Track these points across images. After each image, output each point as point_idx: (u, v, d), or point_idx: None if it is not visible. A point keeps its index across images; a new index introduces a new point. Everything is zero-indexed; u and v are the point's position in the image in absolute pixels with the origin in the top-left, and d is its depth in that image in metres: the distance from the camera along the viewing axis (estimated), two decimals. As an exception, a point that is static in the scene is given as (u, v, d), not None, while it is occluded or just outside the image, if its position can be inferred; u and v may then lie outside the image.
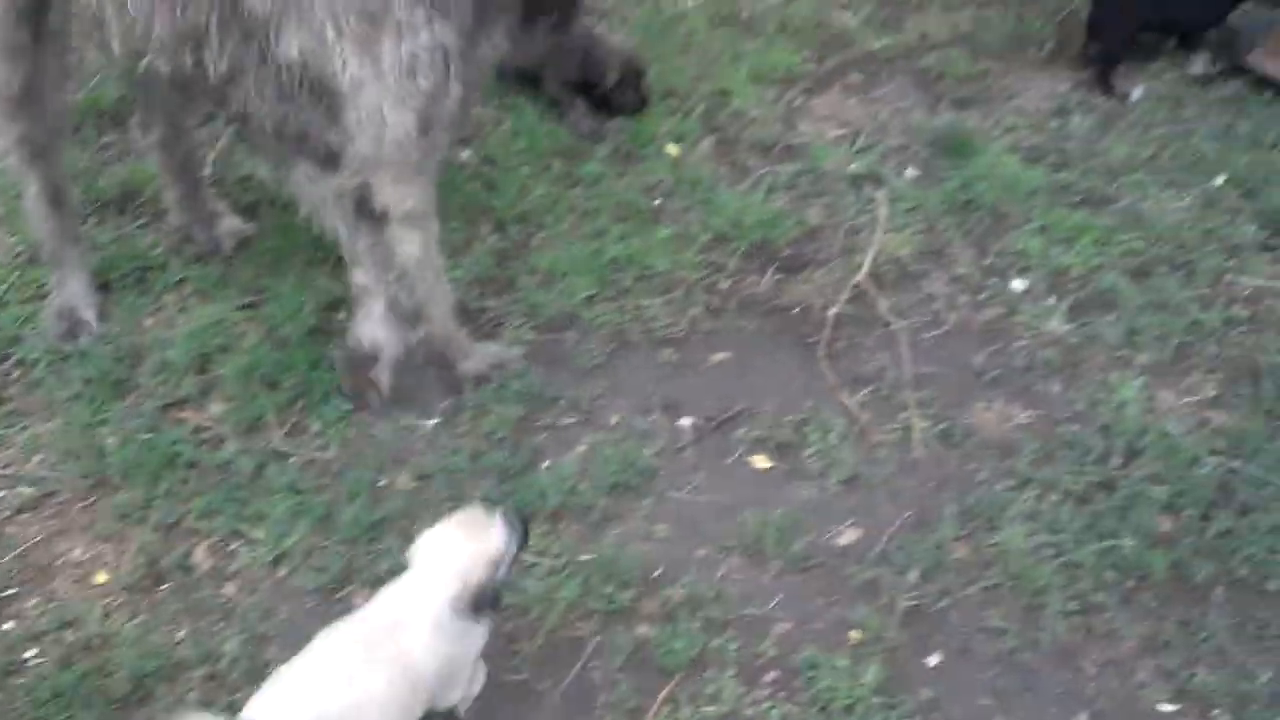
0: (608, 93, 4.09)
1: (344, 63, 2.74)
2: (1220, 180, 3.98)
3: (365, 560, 2.98)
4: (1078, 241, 3.75)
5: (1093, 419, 3.27)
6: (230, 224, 3.78)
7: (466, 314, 3.58)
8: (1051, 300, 3.60)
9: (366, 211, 3.04)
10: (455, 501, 3.10)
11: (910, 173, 4.04)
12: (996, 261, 3.74)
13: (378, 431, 3.29)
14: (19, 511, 3.14)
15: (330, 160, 2.98)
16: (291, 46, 2.74)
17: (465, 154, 4.07)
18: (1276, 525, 3.01)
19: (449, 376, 3.36)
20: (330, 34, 2.70)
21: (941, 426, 3.28)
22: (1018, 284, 3.66)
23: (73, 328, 3.53)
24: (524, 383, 3.37)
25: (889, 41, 4.56)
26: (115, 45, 2.88)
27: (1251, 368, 3.40)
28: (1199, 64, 4.36)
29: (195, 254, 3.79)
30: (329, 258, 3.71)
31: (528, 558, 2.92)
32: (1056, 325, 3.52)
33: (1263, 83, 4.29)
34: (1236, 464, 3.13)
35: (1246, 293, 3.64)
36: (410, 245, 3.10)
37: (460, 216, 3.86)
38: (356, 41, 2.72)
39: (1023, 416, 3.31)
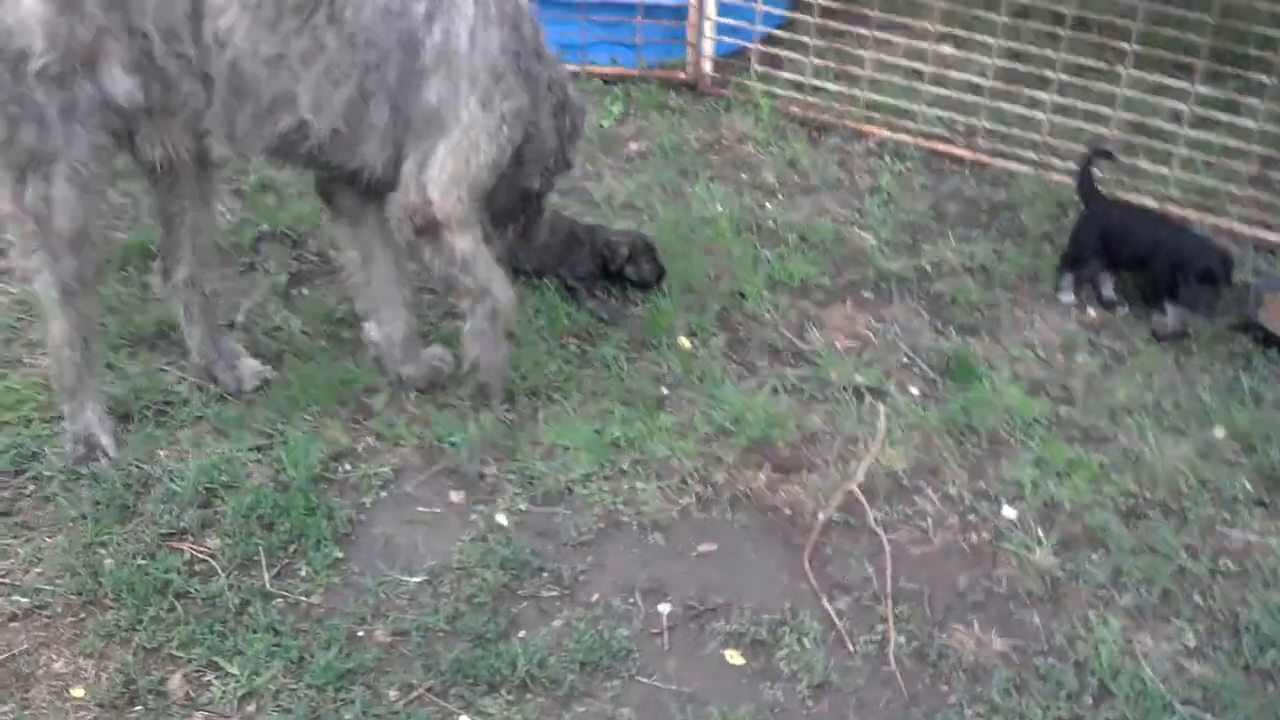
0: (622, 269, 4.26)
1: (466, 108, 3.44)
2: (1220, 432, 4.06)
3: (330, 707, 3.02)
4: (1072, 476, 3.83)
5: (1069, 655, 3.30)
6: (250, 365, 3.93)
7: (464, 478, 3.68)
8: (1040, 532, 3.65)
9: (424, 230, 3.58)
10: (427, 659, 3.14)
11: (913, 390, 4.14)
12: (989, 487, 3.81)
13: (364, 582, 3.35)
14: (10, 619, 3.21)
15: (385, 190, 3.59)
16: (431, 95, 3.40)
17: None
18: (1245, 784, 2.99)
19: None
20: (464, 86, 3.41)
21: (917, 644, 3.32)
22: (1009, 511, 3.73)
23: (90, 452, 3.64)
24: (512, 550, 3.43)
25: (903, 264, 4.73)
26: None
27: (1234, 621, 3.43)
28: (1170, 320, 4.44)
29: (218, 394, 3.92)
30: (343, 410, 3.85)
31: (491, 725, 2.94)
32: (1042, 557, 3.57)
33: (1269, 339, 4.41)
34: (1208, 717, 3.14)
35: (1236, 546, 3.69)
36: (464, 240, 3.62)
37: (472, 385, 3.98)
38: (480, 97, 3.44)
39: (1000, 644, 3.34)
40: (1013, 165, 5.35)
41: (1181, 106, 5.08)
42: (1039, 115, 5.27)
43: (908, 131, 5.51)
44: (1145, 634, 3.38)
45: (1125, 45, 5.01)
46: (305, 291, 4.43)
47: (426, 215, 3.55)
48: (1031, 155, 5.33)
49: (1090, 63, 5.33)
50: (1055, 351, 4.41)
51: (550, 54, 3.79)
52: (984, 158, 5.41)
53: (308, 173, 3.80)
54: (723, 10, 5.81)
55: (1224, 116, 5.12)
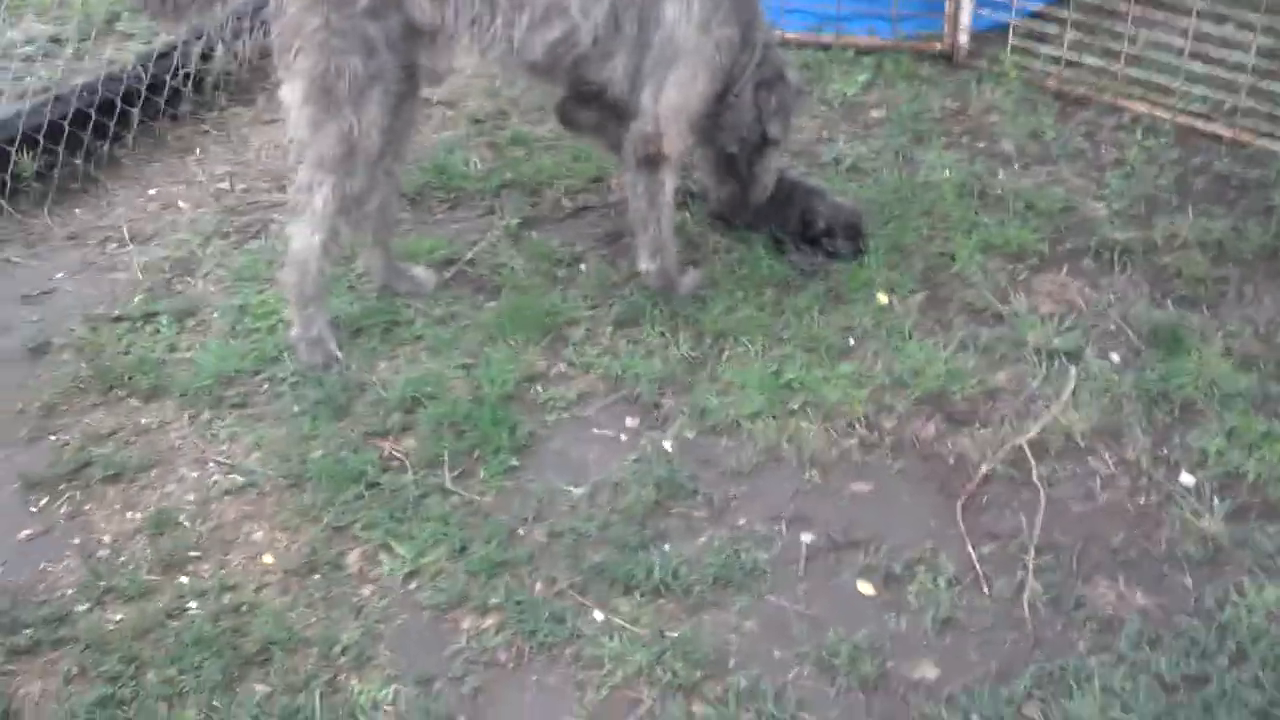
0: (819, 238, 4.37)
1: (691, 31, 3.90)
2: None
3: (480, 592, 3.31)
4: (1263, 450, 3.66)
5: (1214, 617, 3.20)
6: (422, 273, 4.42)
7: (641, 406, 3.90)
8: (1215, 500, 3.52)
9: (650, 160, 4.07)
10: (573, 560, 3.39)
11: (1114, 358, 4.05)
12: (1171, 454, 3.70)
13: (532, 488, 3.63)
14: (226, 493, 3.68)
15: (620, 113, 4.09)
16: (669, 11, 3.87)
17: (690, 272, 4.41)
18: (1375, 760, 2.83)
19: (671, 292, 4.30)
20: (695, 6, 3.88)
21: (1055, 593, 3.29)
22: (1186, 478, 3.62)
23: (326, 360, 4.09)
24: (670, 472, 3.63)
25: (1132, 235, 4.59)
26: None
27: None
28: None
29: (439, 318, 4.31)
30: (544, 339, 4.16)
31: (616, 620, 3.16)
32: (1210, 523, 3.45)
33: None
34: (1353, 691, 2.98)
35: None
36: (670, 185, 4.14)
37: (666, 323, 4.21)
38: (702, 21, 3.91)
39: (1142, 600, 3.27)
40: (1272, 144, 5.06)
41: None
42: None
43: (1165, 107, 5.31)
44: (1306, 608, 3.22)
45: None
46: (535, 234, 4.77)
47: (656, 145, 4.01)
48: (1293, 132, 5.03)
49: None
50: (1279, 329, 4.18)
51: (765, 22, 4.16)
52: (1243, 136, 5.15)
53: (561, 88, 4.23)
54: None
55: None
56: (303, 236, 4.00)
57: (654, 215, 4.20)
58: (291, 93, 3.83)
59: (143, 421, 3.93)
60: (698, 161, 4.50)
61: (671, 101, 3.97)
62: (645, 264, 4.30)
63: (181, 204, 5.17)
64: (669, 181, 4.15)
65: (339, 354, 4.12)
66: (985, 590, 3.31)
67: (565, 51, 3.92)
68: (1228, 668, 3.06)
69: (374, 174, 3.98)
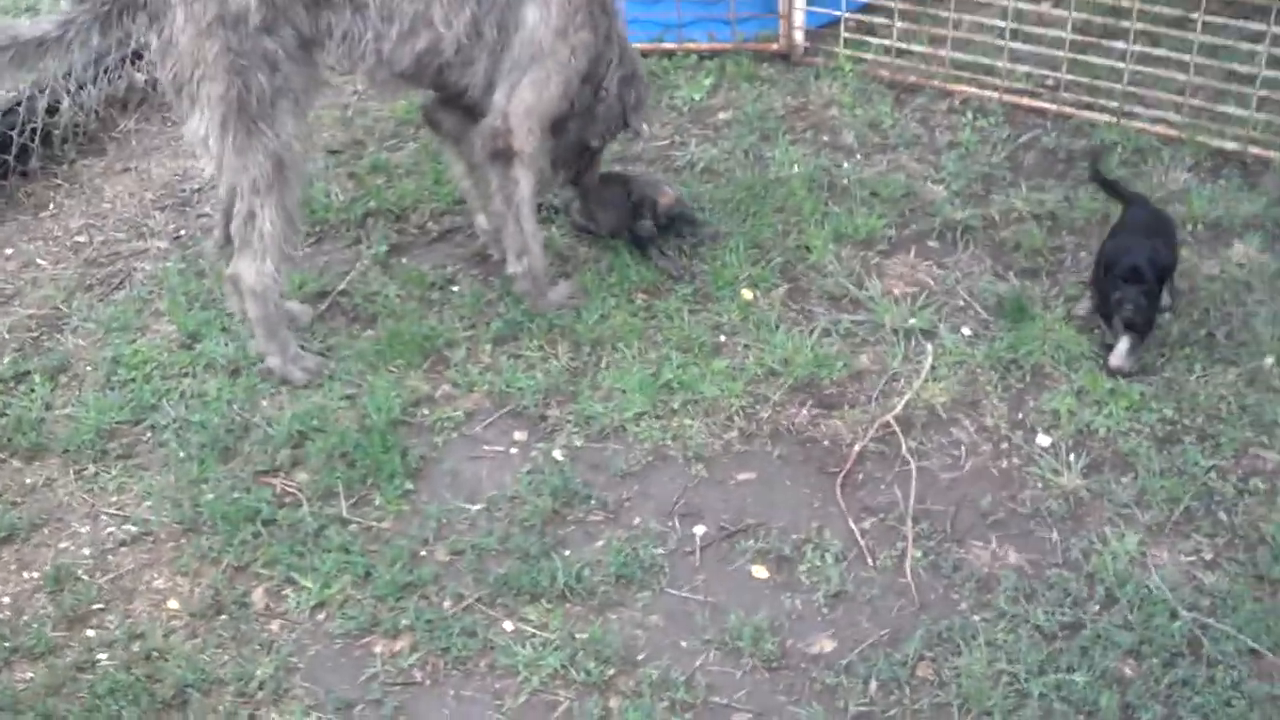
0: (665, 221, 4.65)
1: (547, 36, 4.03)
2: (1270, 360, 4.09)
3: (390, 616, 3.40)
4: (1110, 405, 3.94)
5: (1081, 567, 3.45)
6: (297, 308, 4.48)
7: (528, 418, 4.02)
8: (1071, 457, 3.78)
9: (500, 155, 4.19)
10: (478, 574, 3.50)
11: (965, 331, 4.30)
12: (1027, 418, 3.95)
13: (429, 509, 3.73)
14: (121, 544, 3.71)
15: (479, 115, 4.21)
16: (528, 15, 4.02)
17: (562, 284, 4.54)
18: (1235, 681, 3.11)
19: (542, 300, 4.41)
20: (552, 12, 4.03)
21: (934, 558, 3.51)
22: (1043, 439, 3.87)
23: (319, 367, 4.27)
24: (563, 480, 3.76)
25: (971, 213, 4.86)
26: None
27: (1255, 536, 3.51)
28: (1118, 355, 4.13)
29: (317, 350, 4.36)
30: (425, 361, 4.25)
31: (526, 628, 3.28)
32: (1069, 480, 3.70)
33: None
34: (1211, 620, 3.25)
35: (1270, 467, 3.74)
36: (526, 184, 4.23)
37: (544, 336, 4.33)
38: (558, 28, 4.06)
39: (1015, 558, 3.50)
40: (1094, 115, 5.39)
41: (1259, 49, 5.05)
42: (1119, 65, 5.30)
43: (994, 89, 5.61)
44: (1162, 549, 3.50)
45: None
46: (405, 260, 4.84)
47: (505, 140, 4.14)
48: (1112, 104, 5.36)
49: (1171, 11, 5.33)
50: (1115, 291, 4.46)
51: (620, 18, 4.34)
52: (1067, 109, 5.47)
53: (426, 94, 4.44)
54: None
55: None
56: (254, 268, 4.05)
57: (511, 213, 4.30)
58: (204, 124, 3.86)
59: (28, 481, 3.92)
60: (555, 159, 4.61)
61: (525, 100, 4.10)
62: (512, 266, 4.43)
63: (40, 261, 5.11)
64: (524, 180, 4.23)
65: (322, 356, 4.24)
66: (870, 562, 3.52)
67: (431, 60, 4.05)
68: (1099, 613, 3.32)
69: (303, 182, 4.11)
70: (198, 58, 3.74)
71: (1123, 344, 4.06)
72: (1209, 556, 3.47)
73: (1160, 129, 5.27)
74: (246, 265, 4.03)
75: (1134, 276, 3.96)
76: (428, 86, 4.29)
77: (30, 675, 3.26)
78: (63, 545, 3.71)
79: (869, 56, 5.89)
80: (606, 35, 4.24)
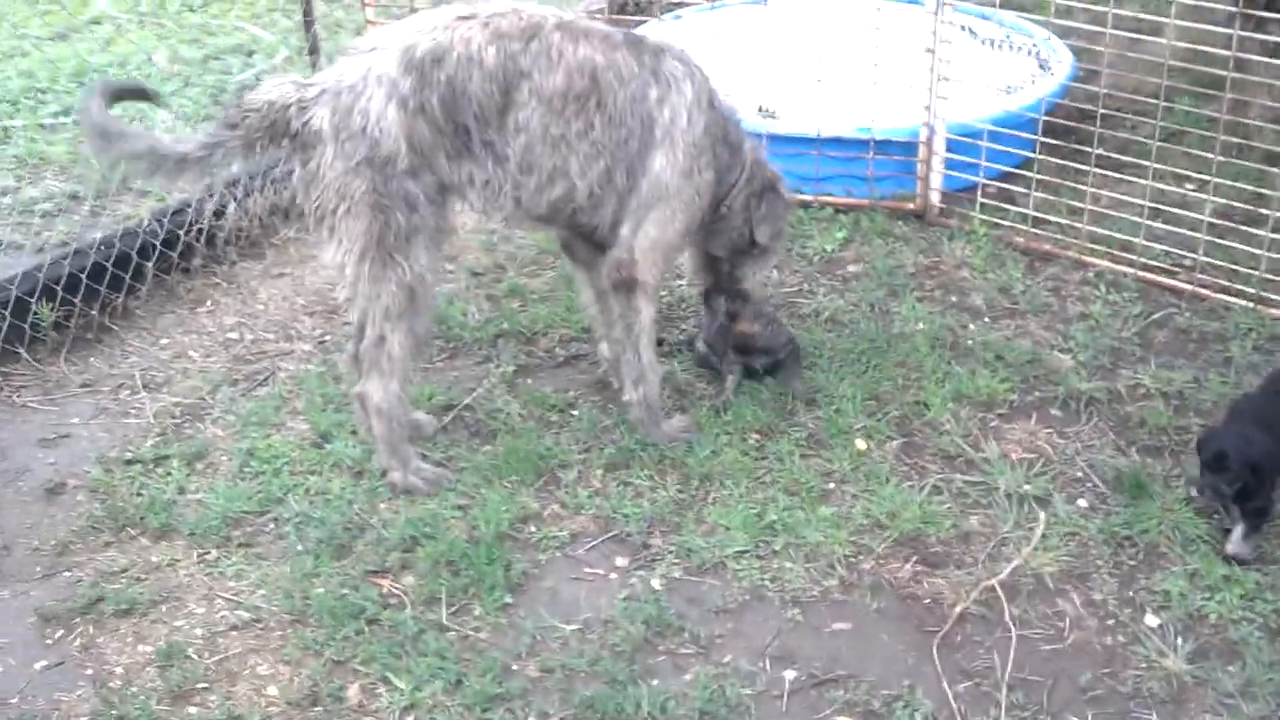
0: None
1: (674, 177, 4.25)
2: (1397, 562, 3.96)
3: (475, 725, 3.46)
4: (1224, 592, 3.85)
5: (1176, 753, 3.35)
6: (423, 418, 4.69)
7: (631, 546, 4.09)
8: (1179, 640, 3.70)
9: (624, 285, 4.36)
10: (565, 694, 3.55)
11: (1081, 503, 4.26)
12: (1136, 596, 3.89)
13: (525, 624, 3.80)
14: (232, 629, 3.85)
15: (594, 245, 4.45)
16: (656, 164, 4.22)
17: (677, 417, 4.64)
18: None
19: (655, 430, 4.54)
20: (679, 157, 4.24)
21: (1026, 728, 3.44)
22: (1151, 620, 3.80)
23: (439, 479, 4.42)
24: (658, 609, 3.81)
25: (1097, 385, 4.84)
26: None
27: (1366, 741, 3.38)
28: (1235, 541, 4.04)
29: (437, 460, 4.52)
30: (538, 480, 4.36)
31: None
32: (1174, 663, 3.62)
33: None
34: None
35: (1390, 673, 3.60)
36: (648, 313, 4.42)
37: (654, 466, 4.42)
38: (684, 169, 4.27)
39: (1109, 736, 3.42)
40: (1230, 299, 5.35)
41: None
42: (1257, 251, 5.28)
43: (1129, 264, 5.62)
44: (1265, 744, 3.37)
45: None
46: (530, 381, 5.00)
47: (629, 271, 4.31)
48: (1249, 290, 5.32)
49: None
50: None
51: (750, 141, 4.60)
52: (1202, 290, 5.44)
53: (560, 232, 4.63)
54: (958, 149, 6.11)
55: None
56: (382, 387, 4.27)
57: (631, 342, 4.45)
58: (341, 253, 4.11)
59: (153, 559, 4.11)
60: (692, 267, 4.90)
61: (650, 236, 4.28)
62: (628, 393, 4.54)
63: (192, 353, 5.40)
64: (645, 309, 4.39)
65: (438, 469, 4.40)
66: (959, 726, 3.46)
67: (565, 206, 4.26)
68: (1191, 800, 3.20)
69: (432, 312, 4.33)
70: (343, 193, 3.99)
71: (1238, 530, 3.99)
72: (1313, 757, 3.33)
73: (1298, 317, 5.20)
74: (375, 385, 4.22)
75: (1216, 464, 3.90)
76: (561, 228, 4.50)
77: (132, 747, 3.38)
78: (178, 624, 3.86)
79: (1005, 223, 5.94)
80: (728, 163, 4.46)
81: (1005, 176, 6.27)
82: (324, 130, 3.94)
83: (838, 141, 6.25)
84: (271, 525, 4.26)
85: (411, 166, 4.00)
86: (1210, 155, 5.41)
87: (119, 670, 3.66)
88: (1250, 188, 5.39)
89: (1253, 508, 4.00)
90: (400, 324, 4.14)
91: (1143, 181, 5.65)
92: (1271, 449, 4.00)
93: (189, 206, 6.02)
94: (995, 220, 5.98)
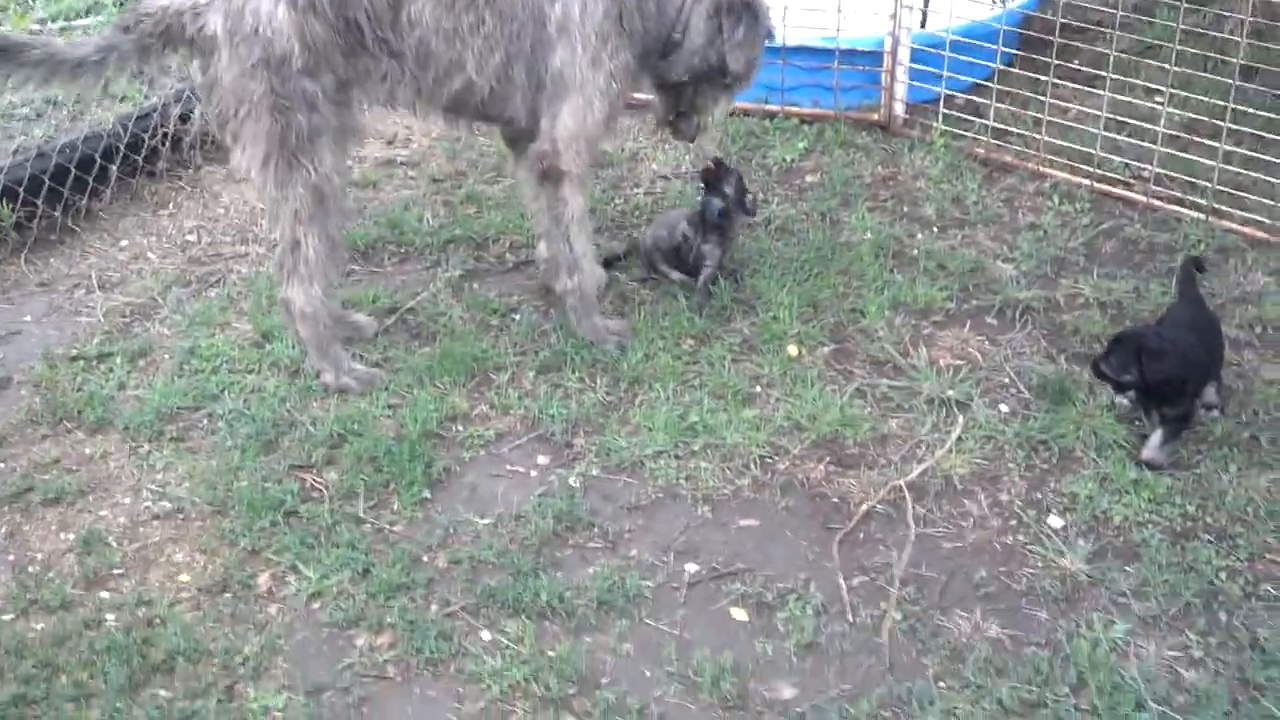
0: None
1: (579, 69, 4.17)
2: (1312, 468, 3.98)
3: (377, 612, 3.56)
4: (1132, 495, 3.88)
5: (1061, 649, 3.40)
6: (363, 319, 4.74)
7: (553, 444, 4.16)
8: (1080, 541, 3.74)
9: (549, 175, 4.35)
10: (469, 584, 3.64)
11: (1003, 408, 4.29)
12: (1044, 498, 3.92)
13: (440, 519, 3.89)
14: (155, 519, 3.96)
15: (529, 139, 4.38)
16: (556, 60, 4.15)
17: (616, 322, 4.69)
18: (1191, 779, 3.03)
19: (587, 322, 4.56)
20: (579, 49, 4.14)
21: (914, 623, 3.51)
22: (1054, 520, 3.84)
23: (371, 379, 4.46)
24: (570, 504, 3.88)
25: (1035, 294, 4.83)
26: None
27: (1249, 639, 3.42)
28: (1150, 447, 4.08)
29: (376, 361, 4.59)
30: (470, 381, 4.43)
31: (501, 640, 3.40)
32: (1071, 562, 3.66)
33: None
34: (1179, 717, 3.18)
35: (1285, 575, 3.64)
36: (576, 202, 4.41)
37: (586, 370, 4.47)
38: (591, 59, 4.17)
39: (996, 632, 3.48)
40: (1184, 210, 5.32)
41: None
42: (1210, 163, 5.24)
43: (1087, 175, 5.58)
44: (1150, 641, 3.43)
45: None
46: (476, 286, 5.05)
47: (551, 162, 4.31)
48: (1202, 202, 5.28)
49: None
50: (1166, 384, 4.39)
51: None
52: (1156, 202, 5.41)
53: (478, 125, 4.64)
54: (927, 60, 6.06)
55: None
56: (303, 292, 4.33)
57: (561, 232, 4.47)
58: (248, 158, 4.14)
59: (86, 452, 4.21)
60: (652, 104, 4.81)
61: (568, 127, 4.25)
62: (561, 283, 4.59)
63: (150, 254, 5.48)
64: (572, 199, 4.39)
65: (371, 369, 4.48)
66: (850, 619, 3.53)
67: (468, 98, 4.28)
68: (1065, 695, 3.27)
69: (344, 212, 4.34)
70: (241, 97, 4.01)
71: (1156, 436, 4.01)
72: (1197, 654, 3.39)
73: (1250, 230, 5.16)
74: (296, 290, 4.29)
75: (1118, 346, 3.97)
76: (473, 120, 4.49)
77: (41, 626, 3.50)
78: (102, 513, 3.97)
79: (967, 134, 5.90)
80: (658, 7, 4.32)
81: (975, 89, 6.20)
82: (218, 34, 3.96)
83: (803, 50, 6.20)
84: (205, 421, 4.35)
85: (307, 65, 4.02)
86: (1185, 69, 5.35)
87: (39, 557, 3.78)
88: (1219, 102, 5.32)
89: (1174, 414, 4.02)
90: (312, 226, 4.18)
91: (1108, 94, 5.59)
92: (1196, 353, 4.00)
93: (155, 111, 6.06)
94: (958, 132, 5.95)
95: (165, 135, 6.04)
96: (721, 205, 4.76)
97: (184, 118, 6.13)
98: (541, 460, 4.14)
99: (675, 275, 4.94)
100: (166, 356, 4.68)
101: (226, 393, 4.45)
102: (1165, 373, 3.91)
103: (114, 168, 5.80)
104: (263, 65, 3.96)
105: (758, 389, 4.41)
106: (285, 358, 4.60)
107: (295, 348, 4.61)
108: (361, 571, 3.69)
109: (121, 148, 5.84)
